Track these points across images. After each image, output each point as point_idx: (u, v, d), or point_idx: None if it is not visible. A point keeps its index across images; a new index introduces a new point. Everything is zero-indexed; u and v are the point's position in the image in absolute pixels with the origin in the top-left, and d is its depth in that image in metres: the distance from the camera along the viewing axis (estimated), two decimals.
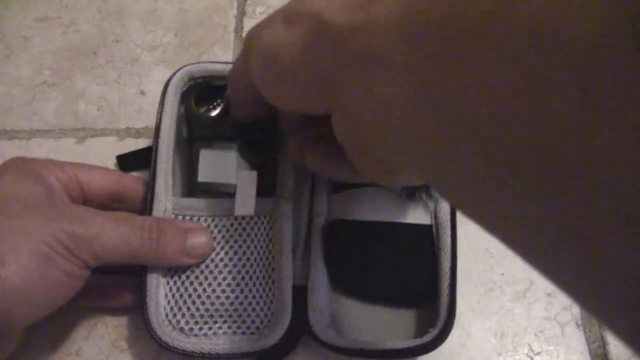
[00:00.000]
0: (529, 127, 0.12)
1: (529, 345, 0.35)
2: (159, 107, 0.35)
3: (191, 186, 0.34)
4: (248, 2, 0.48)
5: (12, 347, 0.30)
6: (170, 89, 0.35)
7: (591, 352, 0.35)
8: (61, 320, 0.35)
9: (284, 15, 0.22)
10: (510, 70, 0.12)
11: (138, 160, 0.40)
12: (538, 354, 0.35)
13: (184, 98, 0.35)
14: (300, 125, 0.30)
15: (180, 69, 0.36)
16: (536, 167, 0.12)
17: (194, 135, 0.34)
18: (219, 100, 0.35)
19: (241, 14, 0.47)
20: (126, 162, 0.40)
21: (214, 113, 0.34)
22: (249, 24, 0.47)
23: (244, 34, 0.46)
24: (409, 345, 0.30)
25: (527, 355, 0.35)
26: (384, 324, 0.33)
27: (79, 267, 0.28)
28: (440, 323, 0.31)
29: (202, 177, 0.33)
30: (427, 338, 0.30)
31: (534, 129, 0.12)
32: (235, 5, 0.48)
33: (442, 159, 0.16)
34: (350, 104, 0.20)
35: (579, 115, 0.11)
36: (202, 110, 0.35)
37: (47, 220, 0.27)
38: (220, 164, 0.33)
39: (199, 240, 0.32)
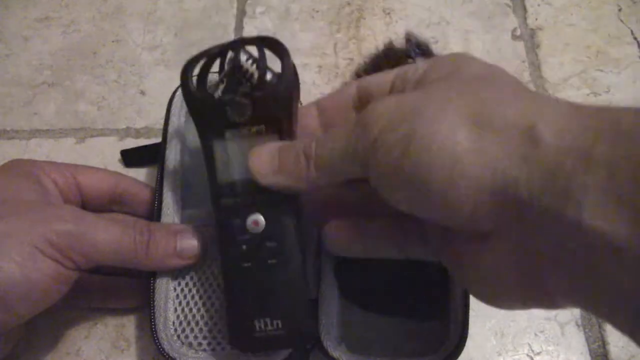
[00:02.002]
0: None
1: (529, 345, 0.35)
2: (164, 121, 0.35)
3: (215, 193, 0.29)
4: (248, 2, 0.48)
5: (8, 347, 0.30)
6: (175, 103, 0.36)
7: (591, 352, 0.35)
8: (61, 320, 0.35)
9: (471, 118, 0.21)
10: None
11: (142, 156, 0.40)
12: (538, 354, 0.35)
13: (182, 81, 0.29)
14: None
15: None
16: None
17: (201, 126, 0.28)
18: (221, 74, 0.29)
19: (241, 14, 0.47)
20: (130, 157, 0.40)
21: (218, 91, 0.29)
22: (249, 24, 0.47)
23: (244, 34, 0.46)
24: None
25: (527, 355, 0.35)
26: (393, 338, 0.33)
27: (67, 269, 0.28)
28: (454, 339, 0.31)
29: (221, 177, 0.28)
30: (440, 356, 0.30)
31: None
32: (235, 5, 0.48)
33: None
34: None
35: None
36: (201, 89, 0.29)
37: (37, 221, 0.27)
38: (240, 158, 0.28)
39: (189, 242, 0.31)
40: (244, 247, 0.28)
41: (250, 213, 0.28)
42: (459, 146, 0.20)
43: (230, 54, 0.28)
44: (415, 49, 0.38)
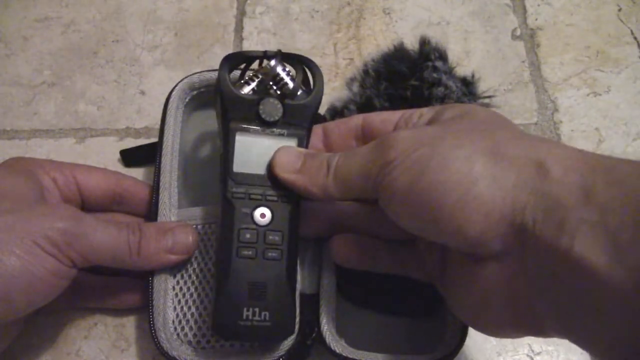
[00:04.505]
0: None
1: (529, 345, 0.35)
2: (161, 120, 0.35)
3: (226, 175, 0.30)
4: (248, 2, 0.48)
5: (5, 343, 0.30)
6: (172, 102, 0.36)
7: None
8: (61, 320, 0.35)
9: (487, 149, 0.23)
10: None
11: (142, 156, 0.40)
12: (538, 354, 0.35)
13: (220, 72, 0.30)
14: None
15: (181, 81, 0.36)
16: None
17: (228, 118, 0.30)
18: (251, 74, 0.32)
19: (241, 14, 0.47)
20: (130, 157, 0.40)
21: (247, 89, 0.31)
22: (249, 24, 0.47)
23: (244, 34, 0.46)
24: None
25: (527, 355, 0.35)
26: (393, 335, 0.33)
27: (65, 266, 0.28)
28: (454, 337, 0.31)
29: (237, 167, 0.30)
30: (440, 354, 0.31)
31: None
32: (235, 5, 0.48)
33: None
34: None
35: None
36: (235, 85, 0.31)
37: (36, 218, 0.27)
38: (258, 153, 0.30)
39: (181, 237, 0.31)
40: (248, 235, 0.29)
41: (258, 205, 0.29)
42: (475, 170, 0.22)
43: (269, 62, 0.31)
44: (435, 52, 0.38)
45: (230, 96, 0.30)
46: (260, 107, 0.30)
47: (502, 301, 0.24)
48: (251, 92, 0.31)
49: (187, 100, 0.36)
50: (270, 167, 0.30)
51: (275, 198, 0.30)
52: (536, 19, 0.47)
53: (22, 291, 0.27)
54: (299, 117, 0.31)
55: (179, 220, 0.33)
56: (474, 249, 0.23)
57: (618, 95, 0.44)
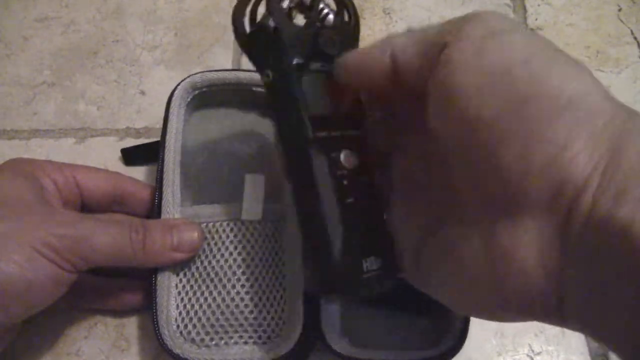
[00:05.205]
0: None
1: (529, 345, 0.35)
2: (164, 118, 0.35)
3: (304, 127, 0.25)
4: None
5: (1, 346, 0.30)
6: (175, 101, 0.36)
7: (591, 352, 0.35)
8: (61, 320, 0.35)
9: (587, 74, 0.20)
10: None
11: (143, 154, 0.40)
12: (538, 354, 0.35)
13: (272, 3, 0.27)
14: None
15: (183, 80, 0.36)
16: None
17: (282, 60, 0.26)
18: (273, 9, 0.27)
19: None
20: (131, 155, 0.40)
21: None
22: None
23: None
24: (424, 357, 0.30)
25: (527, 355, 0.35)
26: (395, 332, 0.33)
27: (66, 271, 0.28)
28: (455, 332, 0.31)
29: (313, 109, 0.26)
30: (442, 348, 0.30)
31: None
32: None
33: None
34: None
35: None
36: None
37: (36, 224, 0.27)
38: (326, 91, 0.27)
39: (186, 234, 0.31)
40: (345, 182, 0.25)
41: (342, 148, 0.26)
42: (568, 91, 0.19)
43: None
44: None
45: (289, 30, 0.26)
46: (321, 40, 0.26)
47: (527, 272, 0.19)
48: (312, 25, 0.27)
49: (189, 99, 0.36)
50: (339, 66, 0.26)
51: (352, 138, 0.26)
52: (536, 19, 0.47)
53: (19, 298, 0.27)
54: (352, 45, 0.28)
55: (182, 218, 0.33)
56: (519, 187, 0.19)
57: (618, 95, 0.43)
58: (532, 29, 0.24)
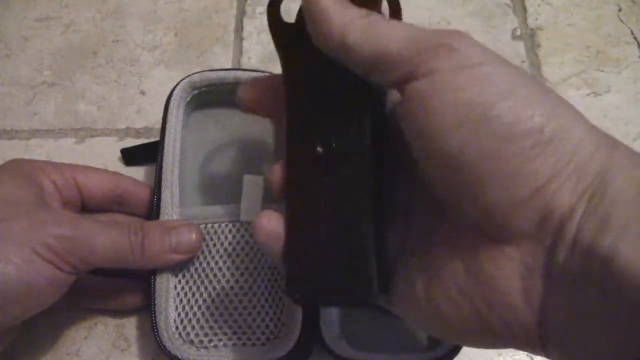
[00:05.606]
0: None
1: None
2: (163, 119, 0.35)
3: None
4: (248, 2, 0.48)
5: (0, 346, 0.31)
6: (174, 101, 0.36)
7: None
8: (61, 320, 0.35)
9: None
10: None
11: (143, 154, 0.40)
12: None
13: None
14: None
15: (182, 80, 0.36)
16: None
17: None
18: None
19: (241, 14, 0.47)
20: (131, 155, 0.40)
21: None
22: (249, 24, 0.47)
23: (244, 34, 0.46)
24: (423, 359, 0.30)
25: (528, 355, 0.35)
26: (394, 333, 0.33)
27: (65, 273, 0.28)
28: None
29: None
30: (442, 350, 0.30)
31: None
32: (235, 5, 0.48)
33: None
34: None
35: None
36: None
37: (35, 225, 0.27)
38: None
39: (185, 236, 0.31)
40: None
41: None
42: (549, 126, 0.18)
43: None
44: None
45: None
46: None
47: (509, 300, 0.19)
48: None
49: (188, 99, 0.36)
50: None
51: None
52: (536, 19, 0.47)
53: (18, 300, 0.27)
54: None
55: (181, 219, 0.33)
56: (504, 219, 0.19)
57: (618, 95, 0.44)
58: (511, 62, 0.22)
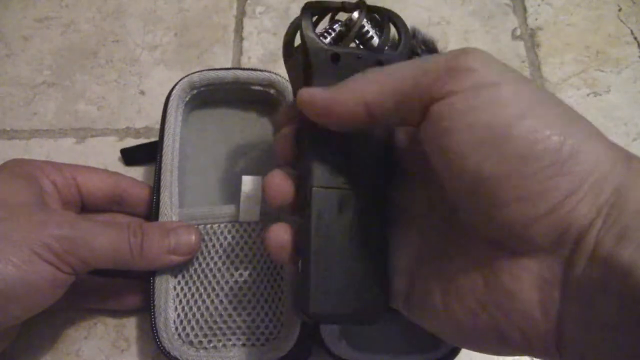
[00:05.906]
0: None
1: None
2: (162, 119, 0.35)
3: None
4: (248, 2, 0.48)
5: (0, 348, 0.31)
6: (172, 101, 0.36)
7: None
8: (61, 320, 0.35)
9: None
10: None
11: (142, 154, 0.40)
12: None
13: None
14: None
15: (181, 79, 0.36)
16: None
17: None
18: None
19: (241, 14, 0.47)
20: (130, 155, 0.40)
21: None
22: (249, 24, 0.47)
23: (244, 34, 0.46)
24: None
25: (529, 357, 0.35)
26: (394, 335, 0.33)
27: (64, 273, 0.28)
28: None
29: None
30: (442, 351, 0.30)
31: None
32: (235, 5, 0.48)
33: None
34: None
35: None
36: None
37: (35, 225, 0.27)
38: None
39: (184, 237, 0.31)
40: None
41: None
42: (569, 144, 0.19)
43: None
44: (422, 45, 0.38)
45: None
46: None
47: (527, 310, 0.19)
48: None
49: (187, 99, 0.36)
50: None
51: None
52: (536, 19, 0.47)
53: (17, 300, 0.27)
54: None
55: (180, 220, 0.33)
56: (522, 234, 0.19)
57: (618, 95, 0.44)
58: (526, 77, 0.22)
